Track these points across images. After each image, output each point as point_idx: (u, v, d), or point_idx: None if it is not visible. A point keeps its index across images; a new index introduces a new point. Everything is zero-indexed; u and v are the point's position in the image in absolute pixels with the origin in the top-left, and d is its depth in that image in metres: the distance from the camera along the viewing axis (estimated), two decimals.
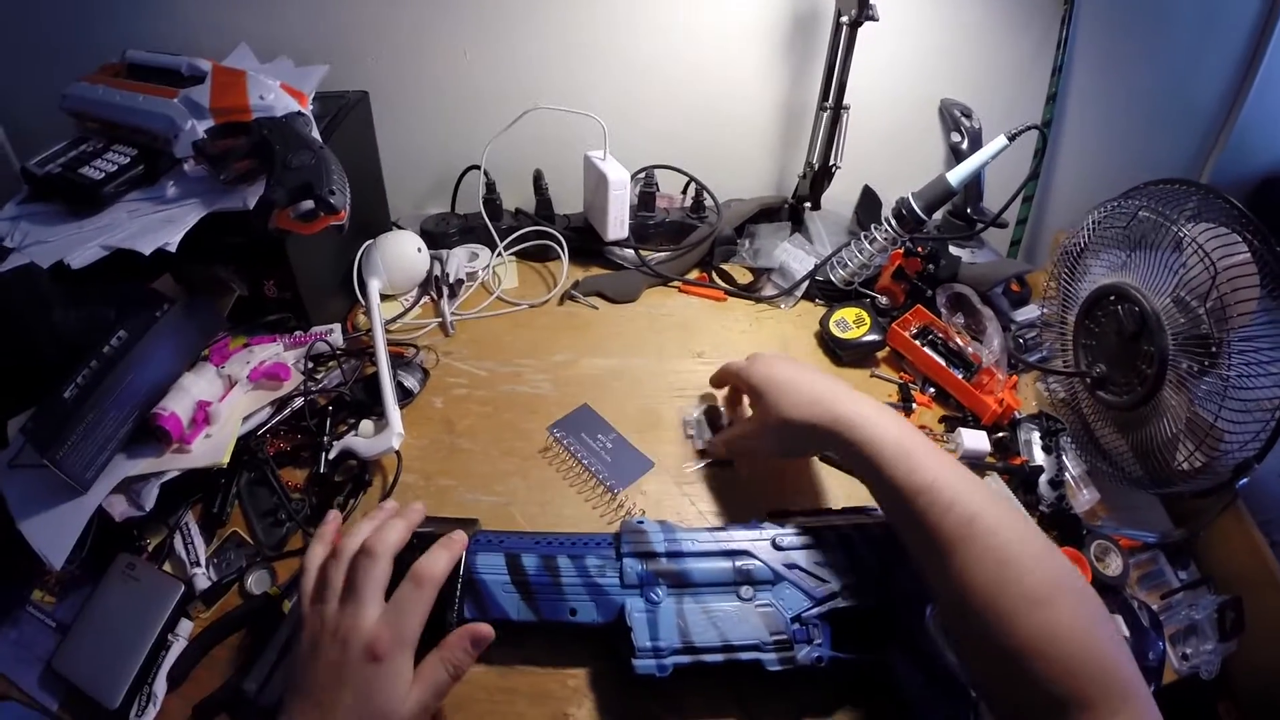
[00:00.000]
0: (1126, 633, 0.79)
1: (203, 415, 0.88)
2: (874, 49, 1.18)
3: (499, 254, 1.24)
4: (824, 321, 1.13)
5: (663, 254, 1.27)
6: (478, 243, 1.27)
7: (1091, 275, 0.98)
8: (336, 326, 1.05)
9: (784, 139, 1.40)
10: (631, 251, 1.25)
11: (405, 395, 0.99)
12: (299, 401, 0.95)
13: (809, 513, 0.79)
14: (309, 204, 0.85)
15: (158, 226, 0.86)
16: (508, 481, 0.92)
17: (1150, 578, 0.90)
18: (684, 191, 1.35)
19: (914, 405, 1.04)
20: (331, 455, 0.89)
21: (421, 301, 1.18)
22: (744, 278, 1.27)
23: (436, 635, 0.64)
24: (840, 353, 1.11)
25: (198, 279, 0.97)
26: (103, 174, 0.90)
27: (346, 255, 1.12)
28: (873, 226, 1.17)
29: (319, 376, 0.99)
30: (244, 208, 0.88)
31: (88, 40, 1.18)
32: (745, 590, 0.72)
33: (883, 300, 1.17)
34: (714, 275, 1.28)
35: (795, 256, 1.24)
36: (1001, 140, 1.06)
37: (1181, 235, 0.83)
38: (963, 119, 1.30)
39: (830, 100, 1.21)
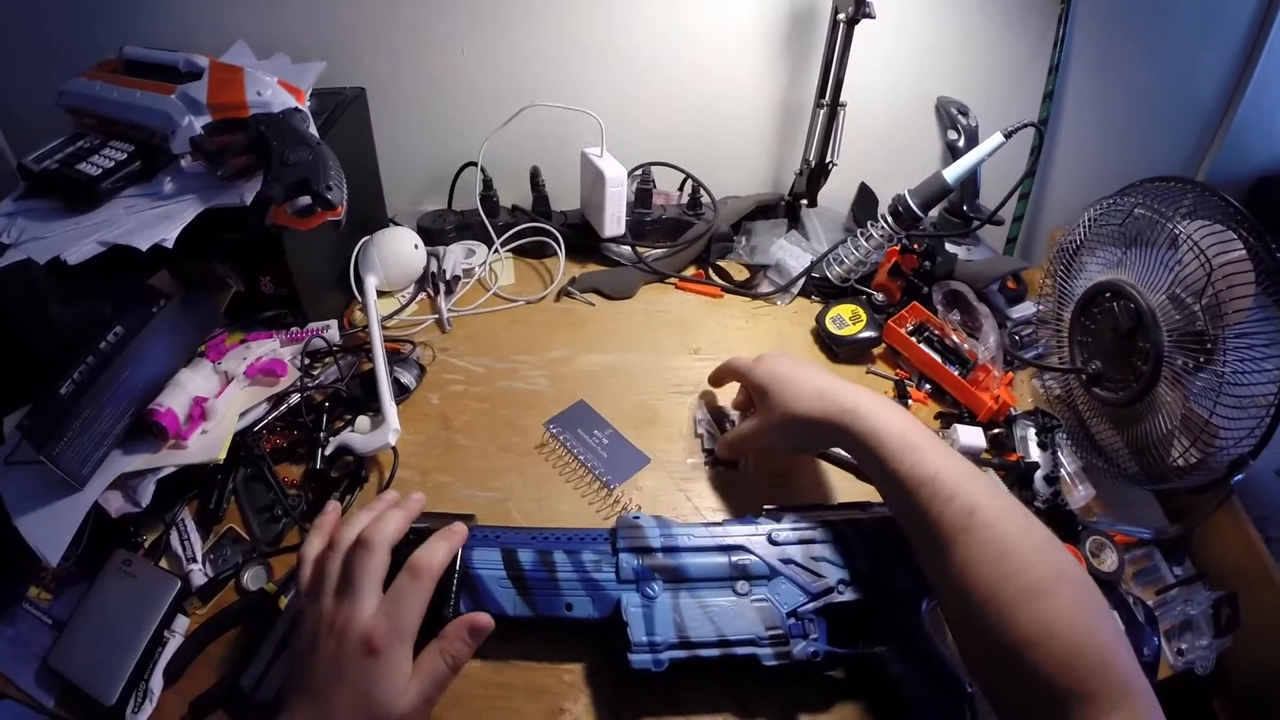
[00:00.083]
0: (1121, 628, 0.80)
1: (199, 411, 0.88)
2: (871, 46, 1.18)
3: (496, 250, 1.25)
4: (820, 318, 1.13)
5: (659, 251, 1.27)
6: (474, 239, 1.28)
7: (1087, 272, 0.98)
8: (333, 323, 1.05)
9: (781, 136, 1.40)
10: (628, 248, 1.25)
11: (402, 391, 1.00)
12: (295, 397, 0.95)
13: (804, 508, 0.79)
14: (306, 200, 0.85)
15: (155, 222, 0.86)
16: (504, 477, 0.92)
17: (1145, 573, 0.90)
18: (681, 188, 1.35)
19: (910, 402, 1.04)
20: (328, 451, 0.89)
21: (418, 298, 1.18)
22: (740, 274, 1.27)
23: (433, 630, 0.63)
24: (836, 349, 1.11)
25: (195, 275, 0.97)
26: (100, 170, 0.90)
27: (343, 251, 1.12)
28: (869, 223, 1.17)
29: (315, 373, 0.99)
30: (241, 203, 0.87)
31: (85, 37, 1.18)
32: (741, 585, 0.72)
33: (879, 297, 1.17)
34: (710, 272, 1.28)
35: (792, 253, 1.25)
36: (998, 138, 1.06)
37: (1177, 232, 0.83)
38: (959, 116, 1.30)
39: (827, 97, 1.21)
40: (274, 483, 0.88)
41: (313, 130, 0.95)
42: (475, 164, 1.24)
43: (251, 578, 0.81)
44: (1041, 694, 0.56)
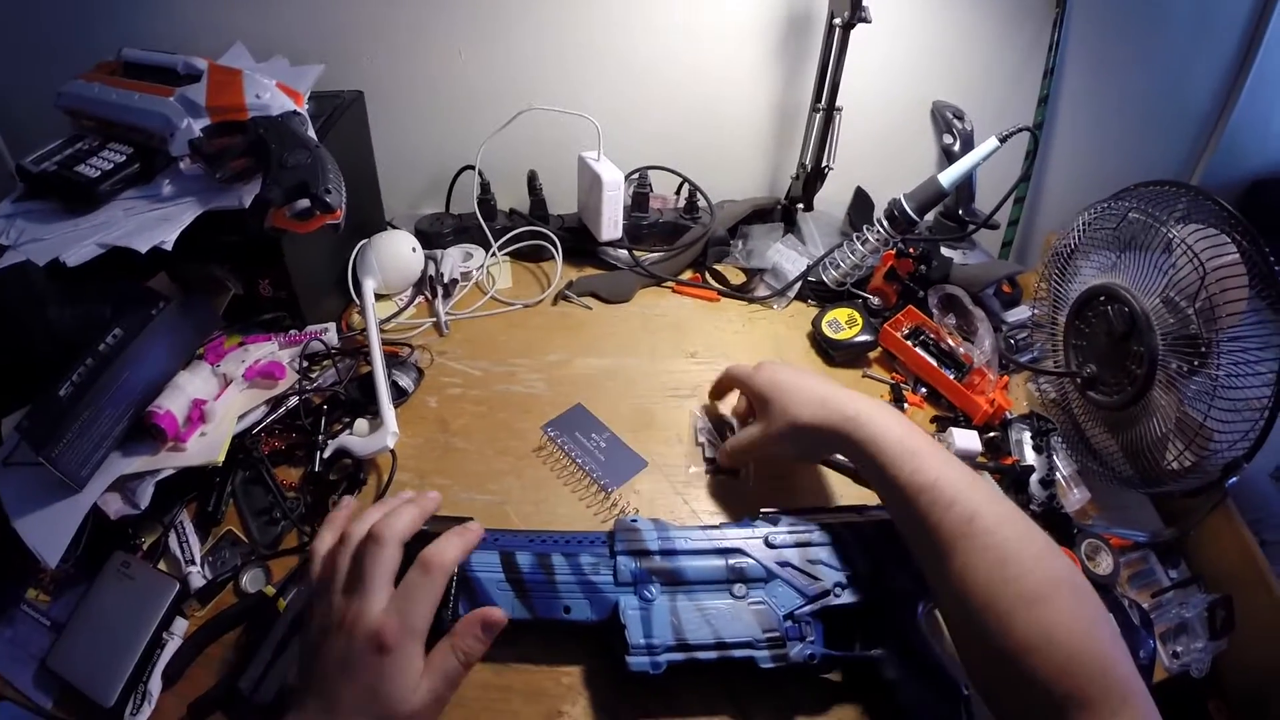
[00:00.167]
0: (1119, 633, 0.80)
1: (198, 414, 0.88)
2: (867, 51, 1.18)
3: (493, 254, 1.25)
4: (816, 322, 1.14)
5: (656, 254, 1.27)
6: (472, 243, 1.28)
7: (1082, 276, 0.98)
8: (331, 326, 1.05)
9: (777, 140, 1.40)
10: (625, 252, 1.25)
11: (400, 394, 1.00)
12: (294, 400, 0.95)
13: (801, 511, 0.79)
14: (305, 203, 0.86)
15: (154, 224, 0.86)
16: (502, 480, 0.92)
17: (1141, 576, 0.90)
18: (677, 192, 1.35)
19: (906, 405, 1.05)
20: (326, 454, 0.89)
21: (416, 301, 1.18)
22: (737, 278, 1.28)
23: (433, 633, 0.63)
24: (832, 353, 1.12)
25: (193, 277, 0.97)
26: (98, 172, 0.90)
27: (341, 255, 1.12)
28: (865, 227, 1.17)
29: (314, 375, 0.99)
30: (240, 206, 0.88)
31: (84, 39, 1.18)
32: (738, 588, 0.72)
33: (875, 301, 1.18)
34: (707, 276, 1.28)
35: (788, 257, 1.25)
36: (993, 142, 1.06)
37: (1171, 236, 0.84)
38: (955, 121, 1.31)
39: (823, 102, 1.21)
40: (272, 485, 0.88)
41: (311, 133, 0.95)
42: (473, 167, 1.24)
43: (250, 580, 0.81)
44: (1040, 700, 0.56)
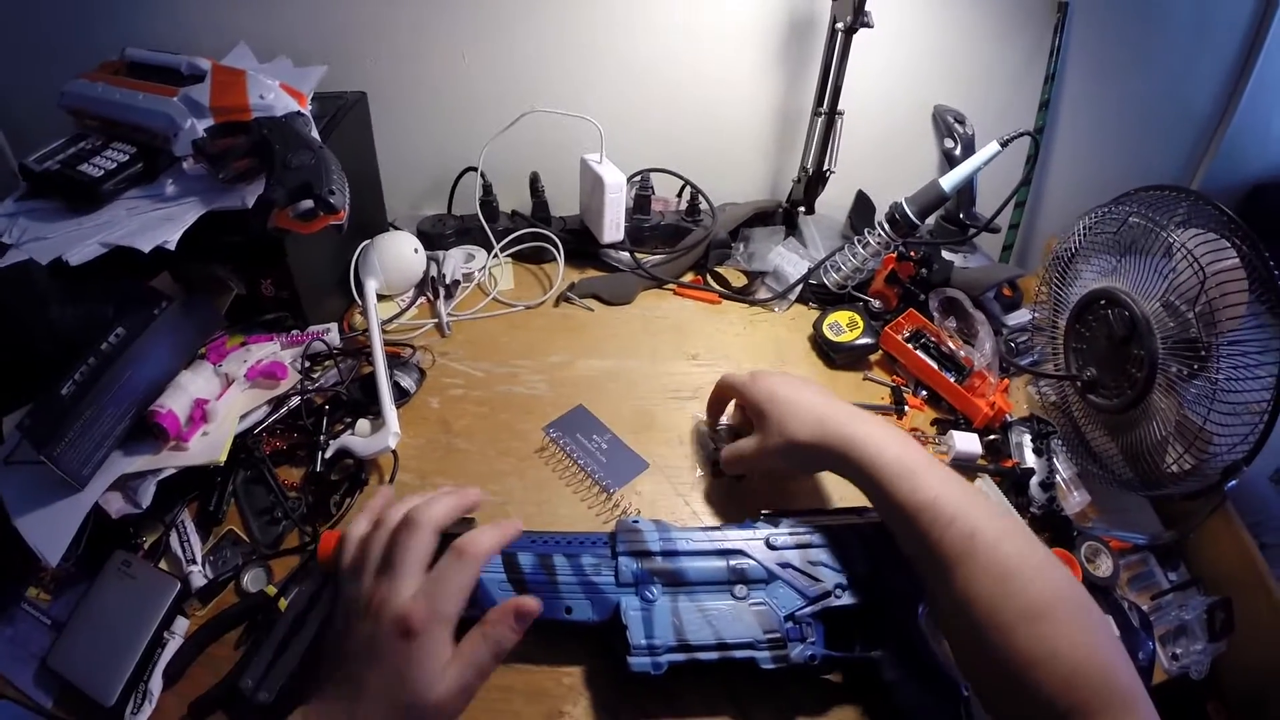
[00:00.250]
0: (1116, 633, 0.80)
1: (200, 413, 0.88)
2: (869, 55, 1.19)
3: (495, 255, 1.25)
4: (817, 325, 1.14)
5: (658, 257, 1.27)
6: (474, 244, 1.28)
7: (1082, 280, 0.99)
8: (333, 326, 1.05)
9: (779, 143, 1.40)
10: (627, 254, 1.26)
11: (402, 395, 1.00)
12: (296, 400, 0.95)
13: (802, 512, 0.80)
14: (308, 203, 0.86)
15: (157, 224, 0.86)
16: (504, 481, 0.92)
17: (1140, 579, 0.90)
18: (679, 195, 1.35)
19: (906, 408, 1.05)
20: (328, 454, 0.89)
21: (418, 302, 1.18)
22: (738, 281, 1.28)
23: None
24: (833, 356, 1.12)
25: (196, 277, 0.97)
26: (101, 171, 0.91)
27: (344, 255, 1.12)
28: (866, 231, 1.18)
29: (316, 376, 0.99)
30: (243, 206, 0.88)
31: (87, 39, 1.18)
32: (739, 589, 0.72)
33: (876, 304, 1.18)
34: (708, 278, 1.28)
35: (789, 260, 1.25)
36: (994, 146, 1.07)
37: (1171, 241, 0.84)
38: (956, 125, 1.31)
39: (825, 105, 1.22)
40: (274, 485, 0.88)
41: (315, 134, 0.95)
42: (475, 169, 1.24)
43: (251, 580, 0.81)
44: (1044, 712, 0.56)
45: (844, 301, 1.20)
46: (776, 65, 1.31)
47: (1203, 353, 0.81)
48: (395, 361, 1.03)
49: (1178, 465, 0.84)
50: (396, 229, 1.23)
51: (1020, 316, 1.18)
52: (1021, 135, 1.07)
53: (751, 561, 0.74)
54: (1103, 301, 0.93)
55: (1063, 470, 0.96)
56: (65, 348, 0.82)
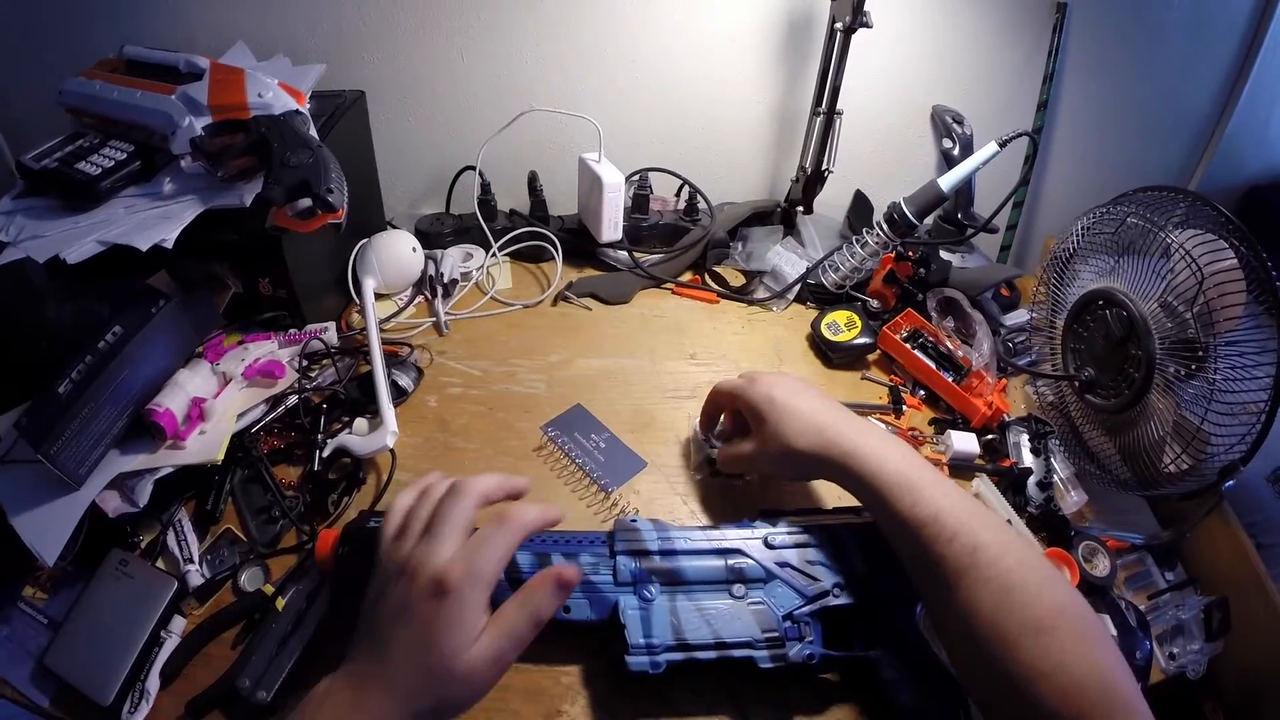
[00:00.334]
0: (1114, 632, 0.80)
1: (197, 412, 0.88)
2: (868, 55, 1.19)
3: (493, 254, 1.25)
4: (815, 324, 1.14)
5: (656, 256, 1.27)
6: (472, 243, 1.28)
7: (1080, 280, 0.99)
8: (331, 325, 1.05)
9: (777, 143, 1.40)
10: (625, 253, 1.26)
11: (399, 394, 1.00)
12: (293, 399, 0.95)
13: (800, 511, 0.80)
14: (306, 202, 0.86)
15: (154, 222, 0.86)
16: None
17: (1137, 578, 0.90)
18: (678, 194, 1.35)
19: (904, 408, 1.05)
20: (325, 453, 0.89)
21: (416, 301, 1.18)
22: (736, 280, 1.28)
23: None
24: (831, 355, 1.12)
25: (194, 276, 0.97)
26: (99, 169, 0.90)
27: (342, 254, 1.12)
28: (864, 230, 1.18)
29: (313, 374, 0.99)
30: (241, 205, 0.88)
31: (85, 36, 1.19)
32: (737, 588, 0.72)
33: (874, 304, 1.18)
34: (707, 277, 1.28)
35: (787, 260, 1.25)
36: (992, 146, 1.07)
37: (1169, 241, 0.84)
38: (954, 125, 1.31)
39: (824, 105, 1.22)
40: (271, 484, 0.88)
41: (313, 132, 0.95)
42: (473, 168, 1.24)
43: (248, 579, 0.81)
44: None
45: (842, 301, 1.20)
46: (775, 65, 1.31)
47: (1200, 353, 0.81)
48: (393, 360, 1.03)
49: (1175, 465, 0.84)
50: (395, 228, 1.23)
51: (1018, 316, 1.18)
52: (1020, 135, 1.07)
53: (749, 561, 0.74)
54: (1100, 302, 0.93)
55: (1060, 470, 0.96)
56: (62, 346, 0.81)
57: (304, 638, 0.74)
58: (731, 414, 0.91)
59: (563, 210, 1.33)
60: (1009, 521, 0.89)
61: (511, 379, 1.06)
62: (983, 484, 0.94)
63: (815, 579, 0.73)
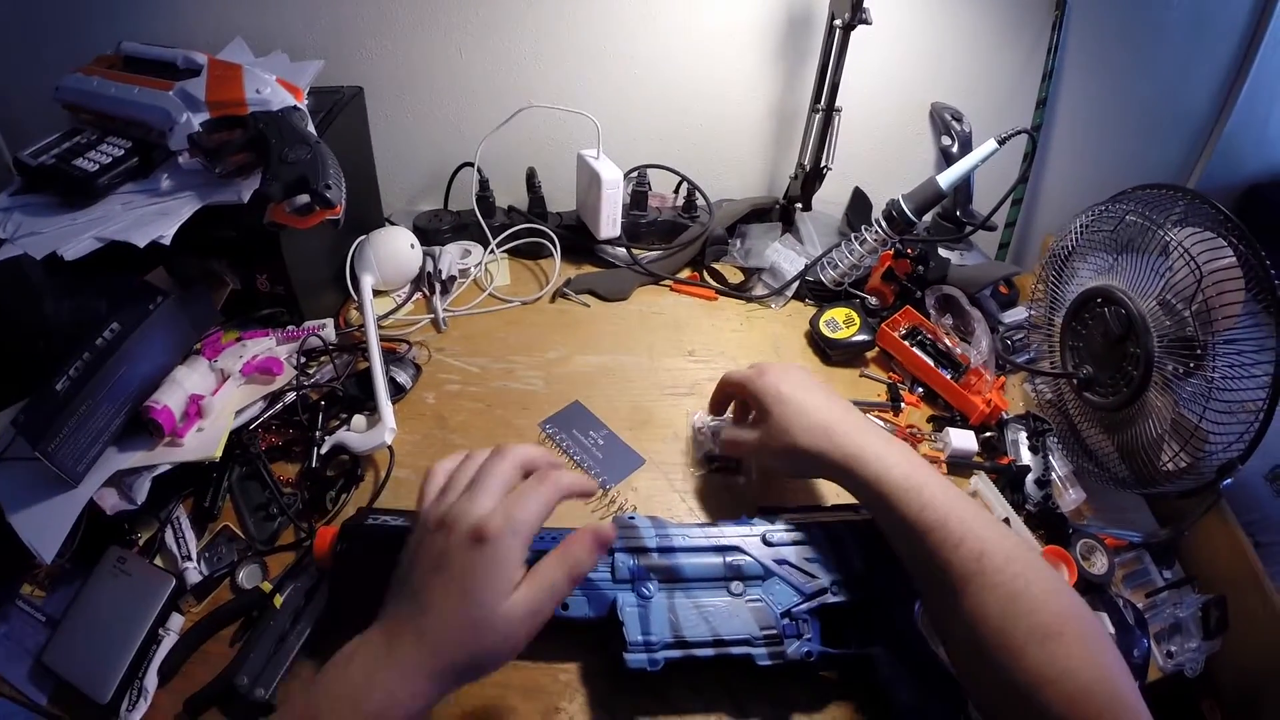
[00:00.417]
0: (1112, 630, 0.80)
1: (195, 409, 0.88)
2: (866, 52, 1.19)
3: (491, 251, 1.25)
4: (814, 321, 1.14)
5: (655, 253, 1.27)
6: (470, 240, 1.28)
7: (1079, 278, 0.99)
8: (329, 321, 1.05)
9: (776, 140, 1.40)
10: (624, 250, 1.25)
11: (397, 391, 1.00)
12: (291, 396, 0.95)
13: (799, 509, 0.80)
14: (304, 198, 0.86)
15: (152, 219, 0.86)
16: None
17: (1135, 576, 0.90)
18: (676, 191, 1.35)
19: (902, 405, 1.05)
20: (323, 450, 0.89)
21: (414, 298, 1.18)
22: (735, 277, 1.28)
23: None
24: (830, 352, 1.12)
25: (191, 272, 0.97)
26: (97, 166, 0.90)
27: (340, 250, 1.12)
28: (863, 228, 1.17)
29: (311, 371, 0.99)
30: (239, 201, 0.87)
31: (82, 33, 1.18)
32: (736, 585, 0.73)
33: (872, 301, 1.18)
34: (705, 274, 1.28)
35: (786, 257, 1.25)
36: (991, 144, 1.06)
37: (1168, 239, 0.84)
38: (953, 123, 1.31)
39: (822, 102, 1.21)
40: (269, 481, 0.88)
41: (311, 129, 0.95)
42: (472, 164, 1.24)
43: (246, 576, 0.81)
44: None
45: (840, 298, 1.20)
46: (774, 62, 1.30)
47: (1198, 351, 0.81)
48: (391, 357, 1.03)
49: (1173, 463, 0.84)
50: (393, 224, 1.23)
51: (1017, 314, 1.18)
52: (1019, 133, 1.06)
53: (748, 558, 0.74)
54: (1099, 299, 0.93)
55: (1058, 468, 0.96)
56: (60, 343, 0.81)
57: (302, 635, 0.74)
58: (740, 404, 0.90)
59: (561, 207, 1.32)
60: (1007, 520, 0.89)
61: (510, 376, 1.06)
62: (981, 481, 0.94)
63: (813, 576, 0.73)
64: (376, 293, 1.13)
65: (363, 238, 1.13)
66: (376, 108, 1.23)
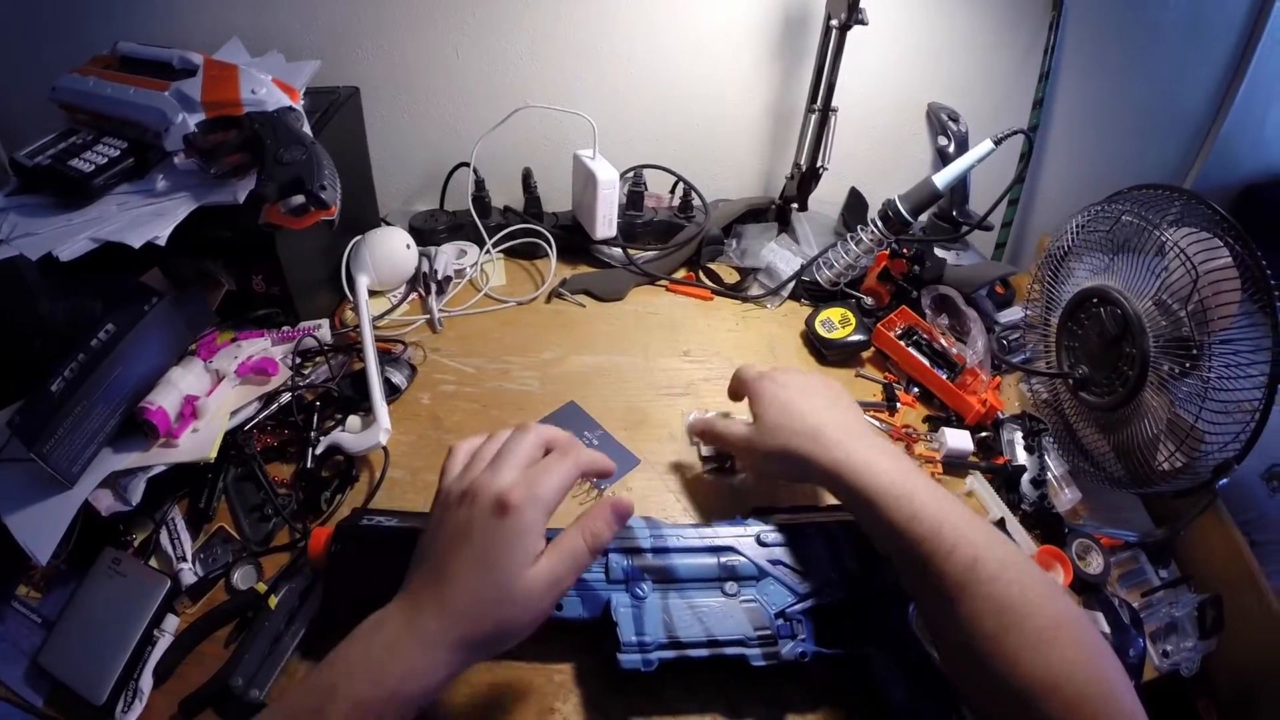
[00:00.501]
0: (1107, 630, 0.80)
1: (190, 410, 0.88)
2: (863, 52, 1.19)
3: (487, 251, 1.25)
4: (810, 321, 1.14)
5: (650, 253, 1.27)
6: (466, 240, 1.28)
7: (1075, 278, 0.99)
8: (324, 322, 1.05)
9: (772, 140, 1.40)
10: (619, 250, 1.26)
11: (393, 391, 1.00)
12: (286, 397, 0.95)
13: (793, 509, 0.80)
14: (299, 199, 0.85)
15: (147, 219, 0.86)
16: None
17: (1131, 576, 0.90)
18: (672, 191, 1.35)
19: (898, 405, 1.05)
20: (318, 450, 0.89)
21: (409, 298, 1.18)
22: (731, 277, 1.28)
23: None
24: (825, 352, 1.12)
25: (187, 273, 0.97)
26: (92, 166, 0.90)
27: (335, 251, 1.12)
28: (859, 228, 1.18)
29: (307, 372, 0.99)
30: (234, 202, 0.88)
31: (79, 33, 1.18)
32: (730, 586, 0.72)
33: (868, 301, 1.18)
34: (701, 274, 1.28)
35: (782, 257, 1.25)
36: (987, 144, 1.07)
37: (1164, 239, 0.84)
38: (950, 123, 1.31)
39: (819, 103, 1.22)
40: (264, 482, 0.88)
41: (306, 129, 0.95)
42: (468, 165, 1.24)
43: (241, 577, 0.80)
44: None
45: (836, 298, 1.20)
46: (770, 62, 1.31)
47: (1194, 351, 0.81)
48: (386, 358, 1.03)
49: (1169, 463, 0.84)
50: (389, 225, 1.23)
51: (1012, 314, 1.18)
52: (1015, 133, 1.06)
53: (742, 558, 0.74)
54: (1095, 300, 0.93)
55: (1054, 467, 0.96)
56: (55, 344, 0.81)
57: (296, 636, 0.74)
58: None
59: (557, 207, 1.33)
60: (1002, 520, 0.89)
61: (505, 376, 1.06)
62: (976, 482, 0.94)
63: (808, 577, 0.73)
64: (372, 293, 1.13)
65: (358, 238, 1.13)
66: (373, 108, 1.23)
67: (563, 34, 1.26)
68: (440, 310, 1.15)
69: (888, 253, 1.15)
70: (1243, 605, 0.84)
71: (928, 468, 0.96)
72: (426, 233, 1.26)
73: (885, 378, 1.10)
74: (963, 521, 0.65)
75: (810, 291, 1.24)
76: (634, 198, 1.29)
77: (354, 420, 0.93)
